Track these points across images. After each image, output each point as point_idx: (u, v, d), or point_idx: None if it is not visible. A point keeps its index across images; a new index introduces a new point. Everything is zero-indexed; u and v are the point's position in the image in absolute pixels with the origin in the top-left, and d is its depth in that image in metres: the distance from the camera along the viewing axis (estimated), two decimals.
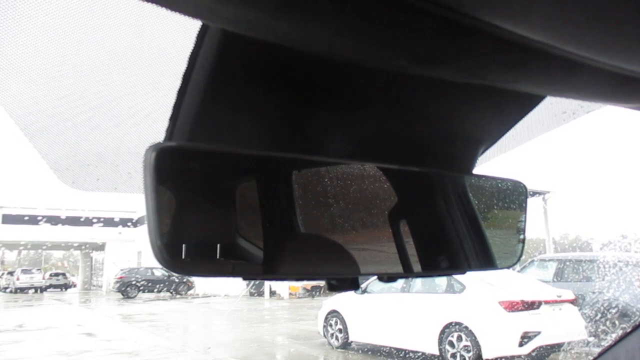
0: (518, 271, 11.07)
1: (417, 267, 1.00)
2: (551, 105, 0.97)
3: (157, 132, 0.81)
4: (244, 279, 0.83)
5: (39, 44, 0.75)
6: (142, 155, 0.64)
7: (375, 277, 0.96)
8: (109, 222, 35.64)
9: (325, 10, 0.45)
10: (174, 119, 0.77)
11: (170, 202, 0.78)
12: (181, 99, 0.74)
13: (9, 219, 32.71)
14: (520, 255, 1.12)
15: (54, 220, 33.24)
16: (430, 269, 1.08)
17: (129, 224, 34.93)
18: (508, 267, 1.12)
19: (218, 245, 0.89)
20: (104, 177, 1.03)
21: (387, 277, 0.92)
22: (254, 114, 0.76)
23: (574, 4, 0.43)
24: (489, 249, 1.07)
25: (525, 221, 1.12)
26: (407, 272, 1.07)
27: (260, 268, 0.90)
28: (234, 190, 0.90)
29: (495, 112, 0.88)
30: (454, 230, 1.05)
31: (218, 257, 0.90)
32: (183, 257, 0.81)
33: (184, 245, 0.80)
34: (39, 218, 32.68)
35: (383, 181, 0.99)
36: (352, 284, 0.81)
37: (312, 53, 0.57)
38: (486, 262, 1.07)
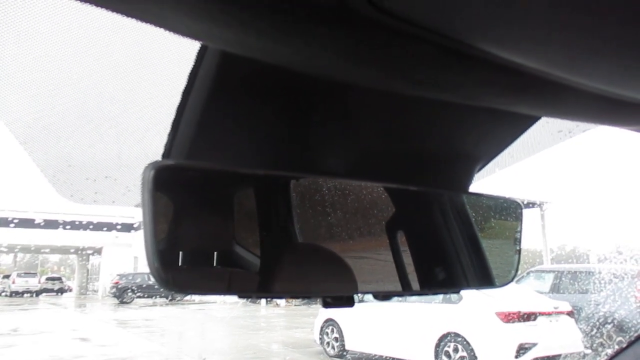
0: (515, 282, 11.04)
1: (414, 281, 1.00)
2: (547, 124, 0.98)
3: (155, 147, 0.81)
4: (239, 297, 0.83)
5: (39, 60, 0.76)
6: (140, 170, 0.64)
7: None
8: (110, 227, 35.30)
9: (325, 36, 0.46)
10: (172, 134, 0.77)
11: (167, 209, 0.78)
12: (180, 115, 0.75)
13: (5, 222, 32.53)
14: (516, 272, 1.12)
15: (52, 224, 33.04)
16: (427, 283, 1.08)
17: (133, 228, 34.57)
18: (504, 285, 1.12)
19: (215, 253, 0.89)
20: (102, 190, 1.03)
21: (382, 296, 0.92)
22: (252, 131, 0.77)
23: (564, 32, 0.44)
24: (487, 267, 1.06)
25: (520, 236, 1.12)
26: (405, 290, 1.06)
27: (256, 282, 0.89)
28: (231, 198, 0.90)
29: (492, 131, 0.89)
30: (452, 243, 1.05)
31: (215, 265, 0.89)
32: (179, 264, 0.80)
33: (180, 253, 0.80)
34: (36, 222, 32.49)
35: (380, 192, 0.99)
36: (347, 302, 0.81)
37: (311, 74, 0.58)
38: (484, 280, 1.07)
